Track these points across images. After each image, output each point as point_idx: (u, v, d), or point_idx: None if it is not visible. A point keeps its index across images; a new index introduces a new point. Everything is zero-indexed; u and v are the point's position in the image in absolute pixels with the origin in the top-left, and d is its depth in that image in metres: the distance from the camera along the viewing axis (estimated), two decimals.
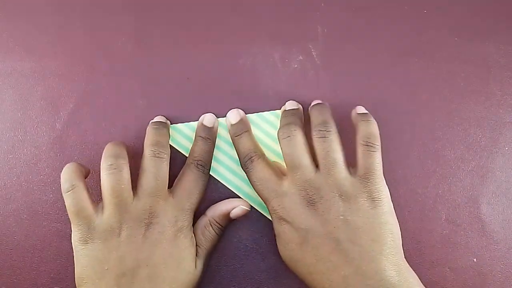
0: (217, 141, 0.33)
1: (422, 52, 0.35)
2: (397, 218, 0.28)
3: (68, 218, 0.33)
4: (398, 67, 0.35)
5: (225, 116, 0.33)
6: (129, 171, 0.28)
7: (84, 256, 0.27)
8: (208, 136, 0.32)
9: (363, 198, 0.27)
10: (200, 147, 0.31)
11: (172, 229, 0.28)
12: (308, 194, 0.27)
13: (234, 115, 0.32)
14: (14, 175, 0.34)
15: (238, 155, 0.31)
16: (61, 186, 0.27)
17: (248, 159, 0.29)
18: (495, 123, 0.34)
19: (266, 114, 0.33)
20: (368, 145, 0.28)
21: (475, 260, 0.33)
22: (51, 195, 0.34)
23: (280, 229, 0.28)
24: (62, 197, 0.33)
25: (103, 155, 0.28)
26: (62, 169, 0.34)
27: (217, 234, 0.31)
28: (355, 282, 0.25)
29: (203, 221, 0.31)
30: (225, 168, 0.33)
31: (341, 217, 0.26)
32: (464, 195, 0.33)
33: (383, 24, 0.35)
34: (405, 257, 0.27)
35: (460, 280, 0.32)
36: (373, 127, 0.29)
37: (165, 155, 0.29)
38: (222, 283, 0.32)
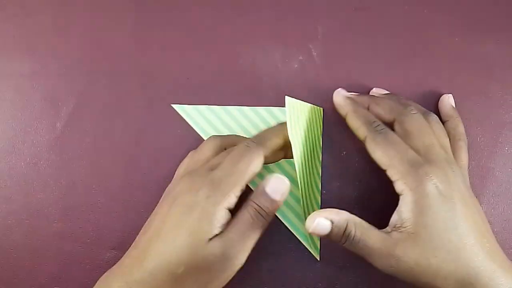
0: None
1: (422, 52, 0.35)
2: None
3: (68, 218, 0.34)
4: (398, 67, 0.35)
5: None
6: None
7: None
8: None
9: (457, 167, 0.27)
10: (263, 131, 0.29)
11: (191, 201, 0.25)
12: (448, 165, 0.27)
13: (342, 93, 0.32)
14: (14, 175, 0.34)
15: (357, 124, 0.29)
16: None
17: (375, 123, 0.28)
18: (495, 123, 0.34)
19: (274, 109, 0.33)
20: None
21: None
22: (52, 195, 0.34)
23: (423, 200, 0.25)
24: (62, 196, 0.34)
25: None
26: (63, 169, 0.34)
27: (253, 218, 0.26)
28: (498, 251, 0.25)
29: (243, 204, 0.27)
30: None
31: (459, 184, 0.26)
32: None
33: (383, 24, 0.35)
34: None
35: None
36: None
37: (258, 146, 0.27)
38: None
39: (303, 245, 0.32)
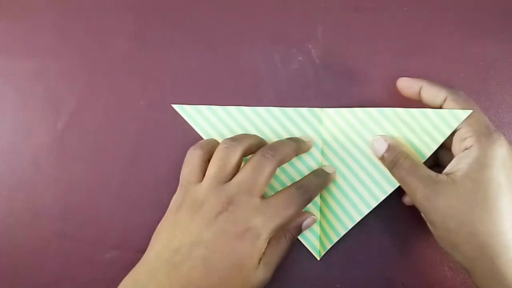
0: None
1: (422, 52, 0.35)
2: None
3: (68, 218, 0.34)
4: (398, 67, 0.35)
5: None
6: (241, 159, 0.29)
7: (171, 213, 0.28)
8: (322, 176, 0.31)
9: None
10: (311, 179, 0.30)
11: (242, 226, 0.27)
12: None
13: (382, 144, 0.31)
14: (15, 175, 0.34)
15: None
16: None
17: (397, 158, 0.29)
18: (494, 123, 0.34)
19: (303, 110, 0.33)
20: None
21: None
22: (52, 195, 0.34)
23: (503, 158, 0.26)
24: (62, 197, 0.34)
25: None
26: (63, 169, 0.34)
27: (288, 245, 0.30)
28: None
29: (278, 232, 0.29)
30: None
31: None
32: None
33: (383, 24, 0.35)
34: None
35: (460, 280, 0.32)
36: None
37: (274, 159, 0.28)
38: None
39: (303, 245, 0.32)
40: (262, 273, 0.28)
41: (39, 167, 0.34)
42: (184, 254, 0.26)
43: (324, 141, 0.32)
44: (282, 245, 0.30)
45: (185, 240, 0.26)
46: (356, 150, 0.32)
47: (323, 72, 0.35)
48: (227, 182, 0.28)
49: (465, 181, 0.26)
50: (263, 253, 0.28)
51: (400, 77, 0.33)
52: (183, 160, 0.30)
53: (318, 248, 0.32)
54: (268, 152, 0.28)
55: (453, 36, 0.35)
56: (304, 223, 0.31)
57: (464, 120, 0.27)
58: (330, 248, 0.32)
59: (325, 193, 0.32)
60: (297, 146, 0.30)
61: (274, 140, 0.31)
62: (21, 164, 0.34)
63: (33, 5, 0.36)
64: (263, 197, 0.28)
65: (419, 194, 0.27)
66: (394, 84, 0.34)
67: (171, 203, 0.29)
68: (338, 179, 0.32)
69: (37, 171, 0.34)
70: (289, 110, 0.33)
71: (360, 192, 0.31)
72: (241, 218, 0.27)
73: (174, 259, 0.26)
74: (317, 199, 0.32)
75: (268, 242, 0.28)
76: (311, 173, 0.31)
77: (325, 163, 0.32)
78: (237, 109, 0.33)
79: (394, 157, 0.29)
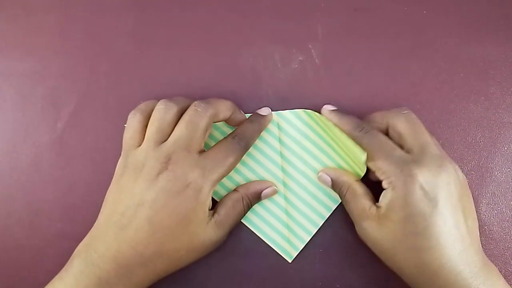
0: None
1: (422, 52, 0.35)
2: None
3: (68, 218, 0.34)
4: (398, 67, 0.35)
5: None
6: (178, 118, 0.28)
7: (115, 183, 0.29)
8: (257, 120, 0.31)
9: (451, 166, 0.27)
10: (246, 126, 0.31)
11: (182, 183, 0.27)
12: (439, 163, 0.27)
13: (330, 106, 0.32)
14: (15, 174, 0.34)
15: (346, 126, 0.30)
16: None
17: (362, 125, 0.29)
18: (494, 123, 0.34)
19: (299, 111, 0.33)
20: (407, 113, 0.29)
21: None
22: (52, 195, 0.34)
23: (407, 199, 0.26)
24: (62, 197, 0.34)
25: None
26: (63, 169, 0.34)
27: (244, 211, 0.31)
28: (470, 254, 0.26)
29: (235, 195, 0.31)
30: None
31: (450, 185, 0.26)
32: None
33: (383, 24, 0.35)
34: None
35: None
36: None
37: (207, 112, 0.28)
38: (224, 281, 0.32)
39: (303, 245, 0.33)
40: (213, 232, 0.28)
41: (39, 167, 0.34)
42: (129, 216, 0.27)
43: (282, 143, 0.33)
44: (238, 209, 0.30)
45: (129, 202, 0.27)
46: (315, 149, 0.32)
47: (323, 72, 0.35)
48: (161, 140, 0.28)
49: (387, 221, 0.27)
50: (217, 213, 0.29)
51: (400, 77, 0.33)
52: None
53: (289, 250, 0.32)
54: (200, 105, 0.28)
55: (453, 36, 0.35)
56: (264, 192, 0.32)
57: (372, 161, 0.28)
58: (330, 248, 0.32)
59: (289, 194, 0.33)
60: (233, 106, 0.30)
61: None
62: (21, 164, 0.34)
63: (33, 5, 0.35)
64: (202, 151, 0.28)
65: (356, 227, 0.30)
66: (394, 84, 0.34)
67: (116, 169, 0.29)
68: (301, 179, 0.32)
69: (37, 171, 0.34)
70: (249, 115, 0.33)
71: (325, 188, 0.32)
72: (180, 174, 0.27)
73: (121, 222, 0.27)
74: (282, 201, 0.32)
75: (224, 204, 0.30)
76: (245, 120, 0.31)
77: (285, 165, 0.33)
78: None
79: (339, 191, 0.31)
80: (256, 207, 0.33)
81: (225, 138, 0.30)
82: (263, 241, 0.33)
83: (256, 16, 0.35)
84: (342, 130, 0.30)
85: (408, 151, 0.28)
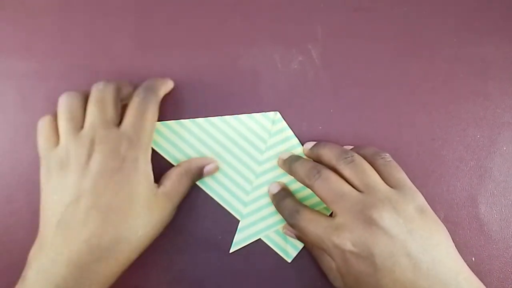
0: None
1: (421, 52, 0.35)
2: None
3: None
4: (398, 67, 0.35)
5: (222, 115, 0.33)
6: (83, 103, 0.28)
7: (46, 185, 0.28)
8: (153, 78, 0.31)
9: (412, 207, 0.26)
10: (143, 83, 0.30)
11: (116, 158, 0.26)
12: (366, 215, 0.25)
13: (275, 187, 0.32)
14: (16, 174, 0.34)
15: (283, 215, 0.30)
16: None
17: (294, 211, 0.28)
18: (493, 123, 0.34)
19: (257, 115, 0.33)
20: (384, 158, 0.28)
21: (473, 259, 0.33)
22: None
23: (346, 265, 0.25)
24: None
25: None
26: None
27: (189, 184, 0.31)
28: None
29: (178, 169, 0.30)
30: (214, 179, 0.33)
31: (405, 229, 0.25)
32: (462, 195, 0.34)
33: (383, 24, 0.35)
34: None
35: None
36: (372, 148, 0.30)
37: (109, 88, 0.28)
38: (225, 281, 0.33)
39: (303, 245, 0.33)
40: (164, 203, 0.28)
41: (39, 167, 0.34)
42: (72, 212, 0.25)
43: (268, 146, 0.33)
44: (184, 183, 0.30)
45: (67, 199, 0.26)
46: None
47: (323, 72, 0.35)
48: (78, 128, 0.27)
49: (346, 279, 0.27)
50: (163, 185, 0.29)
51: (399, 77, 0.33)
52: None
53: (288, 250, 0.33)
54: (100, 84, 0.29)
55: (453, 36, 0.35)
56: (206, 168, 0.31)
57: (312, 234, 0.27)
58: None
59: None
60: (130, 84, 0.30)
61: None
62: (21, 164, 0.34)
63: (33, 6, 0.35)
64: (119, 124, 0.28)
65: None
66: (394, 84, 0.34)
67: (40, 177, 0.28)
68: (296, 183, 0.32)
69: (37, 171, 0.34)
70: (243, 116, 0.33)
71: None
72: (111, 152, 0.26)
73: (65, 221, 0.25)
74: None
75: (169, 177, 0.29)
76: (144, 82, 0.30)
77: (268, 167, 0.33)
78: (220, 119, 0.33)
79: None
80: (256, 207, 0.33)
81: (131, 100, 0.29)
82: (263, 241, 0.33)
83: (256, 16, 0.35)
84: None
85: (335, 216, 0.27)
